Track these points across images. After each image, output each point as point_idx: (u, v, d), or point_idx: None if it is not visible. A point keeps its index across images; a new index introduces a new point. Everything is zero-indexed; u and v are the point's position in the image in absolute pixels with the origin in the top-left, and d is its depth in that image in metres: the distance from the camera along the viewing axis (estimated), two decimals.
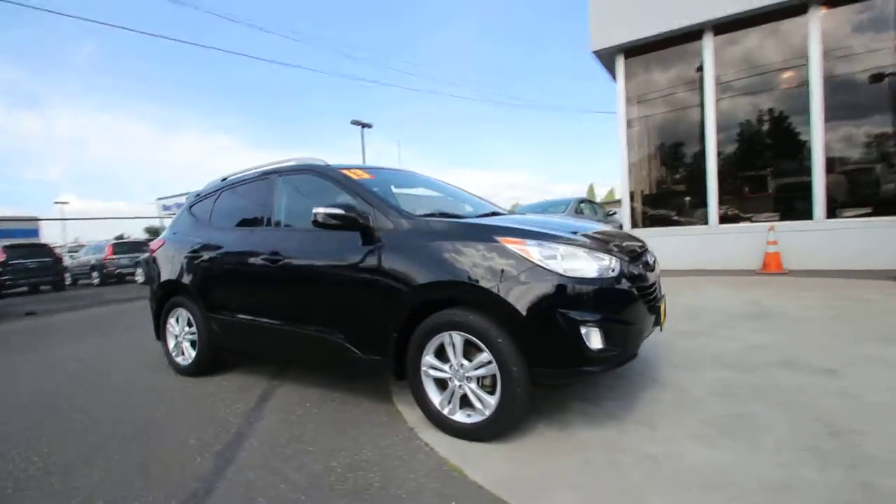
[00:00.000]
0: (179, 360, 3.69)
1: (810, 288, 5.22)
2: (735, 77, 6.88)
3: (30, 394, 3.36)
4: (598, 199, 31.46)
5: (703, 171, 7.05)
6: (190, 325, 3.59)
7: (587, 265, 2.10)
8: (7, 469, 2.24)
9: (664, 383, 2.78)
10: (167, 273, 3.69)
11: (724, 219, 7.06)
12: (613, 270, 2.13)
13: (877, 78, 6.11)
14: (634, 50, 7.44)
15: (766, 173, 7.18)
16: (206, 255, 3.39)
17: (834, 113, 6.23)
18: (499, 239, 2.18)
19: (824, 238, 6.15)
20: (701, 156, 7.10)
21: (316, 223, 2.54)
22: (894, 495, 1.62)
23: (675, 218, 7.68)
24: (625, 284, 2.16)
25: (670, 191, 7.92)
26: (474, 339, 2.16)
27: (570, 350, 2.01)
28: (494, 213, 3.13)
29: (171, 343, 3.74)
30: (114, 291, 11.80)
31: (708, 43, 6.83)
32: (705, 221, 7.05)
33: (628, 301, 2.14)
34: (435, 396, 2.34)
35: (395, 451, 2.20)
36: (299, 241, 2.89)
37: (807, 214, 6.38)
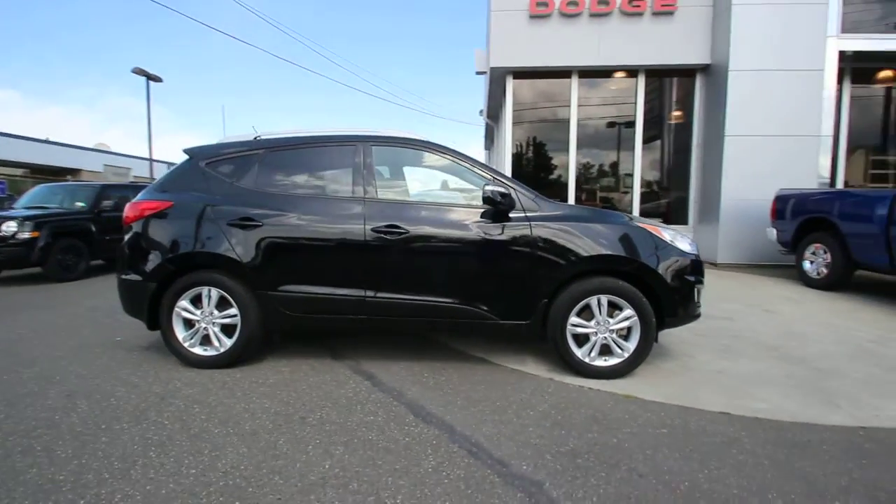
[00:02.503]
0: (198, 350, 3.01)
1: None
2: (587, 107, 9.04)
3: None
4: None
5: (565, 181, 9.01)
6: (222, 306, 2.99)
7: (686, 244, 2.99)
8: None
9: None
10: (184, 244, 2.95)
11: None
12: (696, 247, 3.09)
13: (667, 125, 9.08)
14: (521, 74, 8.88)
15: (596, 188, 9.65)
16: (270, 224, 2.91)
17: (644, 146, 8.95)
18: (638, 224, 2.89)
19: None
20: (565, 168, 9.05)
21: (488, 199, 2.72)
22: (830, 370, 3.05)
23: None
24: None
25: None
26: (618, 300, 2.81)
27: (690, 304, 2.89)
28: None
29: (182, 332, 3.00)
30: None
31: (574, 82, 8.77)
32: None
33: (703, 269, 3.13)
34: (575, 348, 2.87)
35: (566, 395, 2.66)
36: (431, 215, 2.90)
37: None
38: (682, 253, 2.89)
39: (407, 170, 3.33)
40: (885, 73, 8.65)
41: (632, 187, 8.96)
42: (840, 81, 7.88)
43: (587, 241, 2.80)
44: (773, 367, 3.11)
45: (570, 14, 8.17)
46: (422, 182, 3.34)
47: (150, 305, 3.00)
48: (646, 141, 8.91)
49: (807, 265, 5.96)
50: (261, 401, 2.54)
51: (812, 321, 4.29)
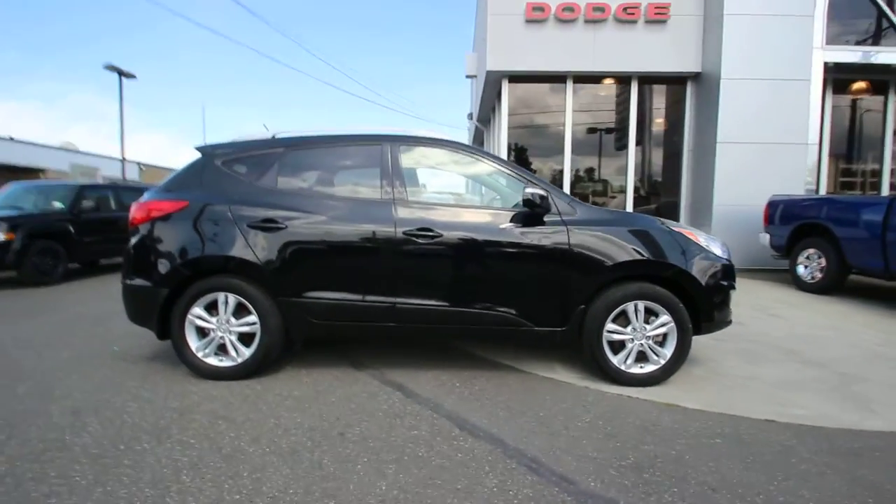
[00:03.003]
0: (213, 360, 2.82)
1: None
2: (581, 112, 9.11)
3: None
4: None
5: (559, 185, 9.04)
6: (240, 314, 2.80)
7: (720, 249, 2.98)
8: None
9: None
10: (201, 247, 2.75)
11: None
12: (728, 252, 3.07)
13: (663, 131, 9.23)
14: (516, 78, 8.88)
15: (589, 192, 9.73)
16: (294, 226, 2.75)
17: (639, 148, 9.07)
18: (674, 228, 2.86)
19: None
20: (559, 172, 9.09)
21: (528, 202, 2.63)
22: (854, 375, 3.08)
23: None
24: None
25: None
26: (655, 306, 2.76)
27: (725, 309, 2.87)
28: None
29: (196, 341, 2.80)
30: None
31: (569, 87, 8.83)
32: None
33: (735, 274, 3.10)
34: (611, 356, 2.81)
35: (608, 404, 2.58)
36: (463, 218, 2.79)
37: None
38: (717, 258, 2.88)
39: (435, 171, 3.22)
40: (859, 85, 9.04)
41: (624, 192, 9.06)
42: (823, 92, 8.17)
43: (625, 245, 2.74)
44: (798, 372, 3.12)
45: (566, 20, 8.21)
46: (450, 184, 3.24)
47: (161, 313, 2.79)
48: (638, 146, 9.03)
49: (801, 269, 6.11)
50: (291, 415, 2.37)
51: (818, 325, 4.37)
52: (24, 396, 2.57)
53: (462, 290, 2.78)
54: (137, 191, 8.37)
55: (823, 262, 5.78)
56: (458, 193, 3.23)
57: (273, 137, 3.03)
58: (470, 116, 14.45)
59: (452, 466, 1.92)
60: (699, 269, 2.77)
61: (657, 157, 9.34)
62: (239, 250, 2.74)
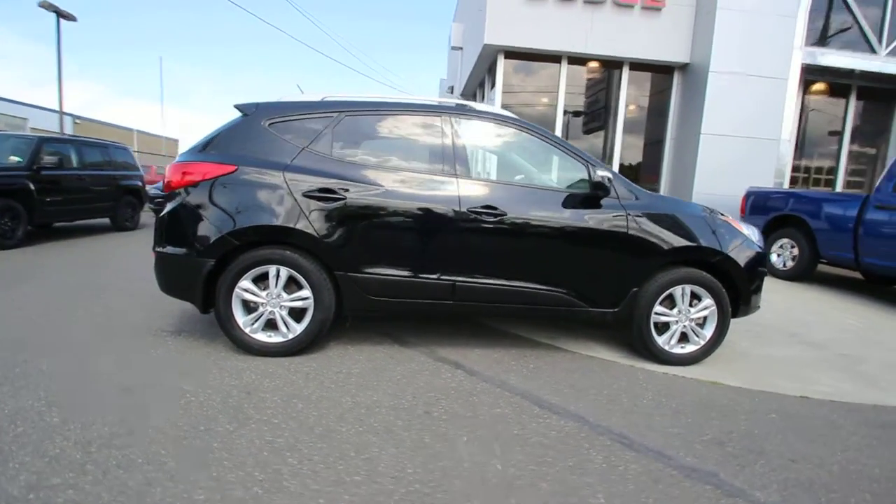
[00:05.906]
0: (261, 336, 2.67)
1: None
2: (573, 94, 9.19)
3: None
4: None
5: None
6: (291, 287, 2.66)
7: (756, 237, 3.15)
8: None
9: None
10: (253, 215, 2.56)
11: None
12: (763, 240, 3.25)
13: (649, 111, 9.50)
14: (512, 54, 8.76)
15: None
16: (354, 197, 2.61)
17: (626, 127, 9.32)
18: (721, 218, 2.99)
19: None
20: None
21: (598, 185, 2.65)
22: (854, 356, 3.41)
23: None
24: None
25: None
26: (699, 290, 2.90)
27: (759, 295, 3.06)
28: None
29: (243, 316, 2.64)
30: None
31: (563, 67, 8.84)
32: None
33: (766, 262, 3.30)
34: (656, 336, 2.94)
35: (661, 383, 2.71)
36: (526, 197, 2.76)
37: None
38: (755, 245, 3.05)
39: (493, 147, 3.15)
40: (822, 86, 9.70)
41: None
42: (798, 91, 8.71)
43: (679, 231, 2.84)
44: (805, 353, 3.42)
45: None
46: (505, 160, 3.18)
47: (205, 285, 2.59)
48: (623, 132, 9.28)
49: (773, 258, 6.61)
50: (364, 393, 2.31)
51: (803, 310, 4.78)
52: (56, 374, 2.33)
53: (522, 269, 2.78)
54: (101, 147, 7.64)
55: (796, 251, 6.28)
56: (514, 171, 3.18)
57: (323, 100, 2.84)
58: (451, 90, 14.16)
59: (552, 444, 1.96)
60: (742, 256, 2.92)
61: (639, 144, 9.65)
62: (295, 221, 2.58)
